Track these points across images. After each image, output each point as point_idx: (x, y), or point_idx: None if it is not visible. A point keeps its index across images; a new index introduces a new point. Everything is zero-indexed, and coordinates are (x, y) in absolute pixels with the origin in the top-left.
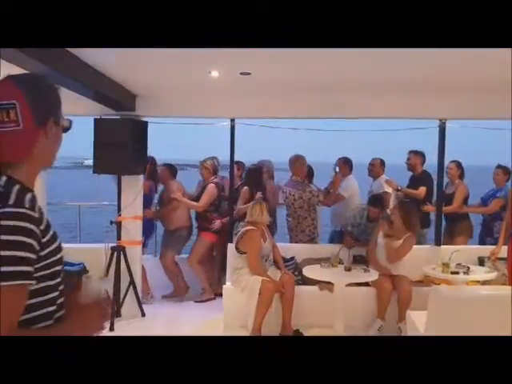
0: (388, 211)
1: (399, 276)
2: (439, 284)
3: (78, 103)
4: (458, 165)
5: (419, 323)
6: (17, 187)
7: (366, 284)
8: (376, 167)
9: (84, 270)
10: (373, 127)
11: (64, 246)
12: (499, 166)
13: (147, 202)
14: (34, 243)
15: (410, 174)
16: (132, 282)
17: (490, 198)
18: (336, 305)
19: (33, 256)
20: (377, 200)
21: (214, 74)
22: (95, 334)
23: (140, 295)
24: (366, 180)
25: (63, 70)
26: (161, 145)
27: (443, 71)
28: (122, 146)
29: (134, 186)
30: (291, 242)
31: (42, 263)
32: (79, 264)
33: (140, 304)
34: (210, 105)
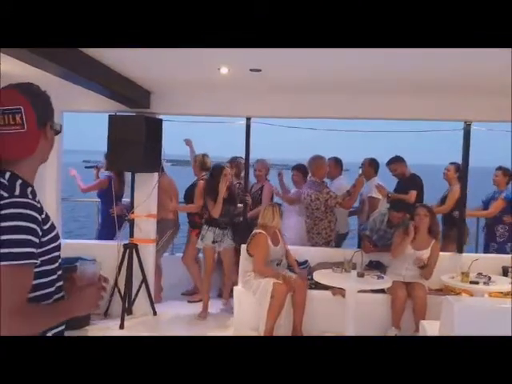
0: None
1: (414, 283)
2: (459, 293)
3: (93, 100)
4: (457, 167)
5: (432, 333)
6: (19, 181)
7: (381, 291)
8: (367, 168)
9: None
10: (393, 128)
11: (79, 242)
12: (500, 168)
13: (108, 197)
14: (38, 229)
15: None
16: (144, 280)
17: (491, 200)
18: (347, 311)
19: (36, 240)
20: (400, 204)
21: (223, 70)
22: (90, 312)
23: (152, 294)
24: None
25: (78, 69)
26: (175, 141)
27: (468, 73)
28: (136, 144)
29: (148, 184)
30: (308, 243)
31: (43, 248)
32: (92, 261)
33: (152, 302)
34: (222, 103)
